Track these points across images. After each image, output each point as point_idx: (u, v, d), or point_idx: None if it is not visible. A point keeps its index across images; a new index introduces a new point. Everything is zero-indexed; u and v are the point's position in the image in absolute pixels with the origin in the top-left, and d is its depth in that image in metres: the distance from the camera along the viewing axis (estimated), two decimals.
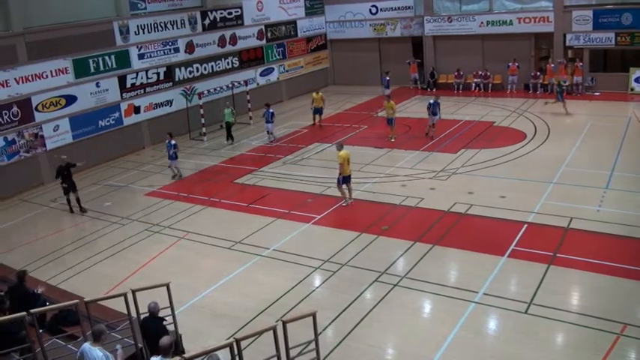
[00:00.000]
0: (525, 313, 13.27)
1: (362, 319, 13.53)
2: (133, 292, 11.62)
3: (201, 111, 31.63)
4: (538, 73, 36.92)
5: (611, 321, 12.58)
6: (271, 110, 29.40)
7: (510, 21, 37.48)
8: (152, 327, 10.82)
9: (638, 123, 28.00)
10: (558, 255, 15.74)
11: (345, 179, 20.47)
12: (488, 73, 38.20)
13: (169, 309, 11.88)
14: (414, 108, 35.32)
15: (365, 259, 16.54)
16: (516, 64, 36.79)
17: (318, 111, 32.66)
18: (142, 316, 11.36)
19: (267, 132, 30.04)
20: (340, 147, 20.53)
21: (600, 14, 34.65)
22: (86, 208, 22.12)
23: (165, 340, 9.26)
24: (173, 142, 25.01)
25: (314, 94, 32.97)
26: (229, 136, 30.76)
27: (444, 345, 12.32)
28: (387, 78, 37.32)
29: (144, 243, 19.12)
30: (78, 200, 22.11)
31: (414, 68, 40.43)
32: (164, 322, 11.11)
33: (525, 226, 17.75)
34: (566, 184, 20.96)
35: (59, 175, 21.94)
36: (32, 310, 10.97)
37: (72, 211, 22.15)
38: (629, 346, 11.88)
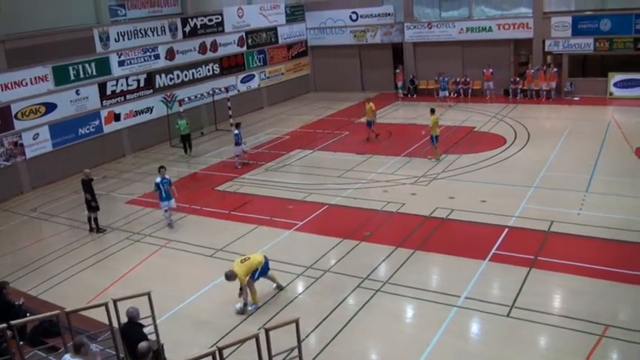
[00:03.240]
0: (507, 316, 13.34)
1: (345, 325, 13.53)
2: (114, 301, 11.52)
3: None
4: (517, 79, 37.24)
5: (592, 323, 12.71)
6: (239, 131, 26.64)
7: (490, 27, 37.77)
8: (130, 333, 10.72)
9: (618, 127, 28.27)
10: (539, 258, 15.85)
11: (263, 270, 15.06)
12: (468, 79, 38.43)
13: (151, 318, 11.78)
14: (395, 114, 35.49)
15: (347, 265, 16.55)
16: (490, 70, 37.10)
17: (370, 123, 29.72)
18: (122, 323, 11.27)
19: (239, 154, 27.04)
20: (231, 276, 14.44)
21: (579, 20, 35.05)
22: (104, 228, 21.20)
23: (142, 345, 9.19)
24: (167, 176, 20.71)
25: (366, 105, 29.83)
26: (188, 147, 30.02)
27: (427, 350, 12.35)
28: (447, 78, 37.56)
29: (125, 252, 18.99)
30: (96, 220, 21.03)
31: (400, 77, 40.58)
32: (143, 328, 11.01)
33: (506, 230, 17.87)
34: (547, 188, 21.12)
35: (85, 189, 20.72)
36: (13, 322, 10.84)
37: (91, 230, 20.92)
38: (611, 347, 12.01)
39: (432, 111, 26.00)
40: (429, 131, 25.58)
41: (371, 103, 29.84)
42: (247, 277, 14.43)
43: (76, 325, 11.49)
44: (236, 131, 26.60)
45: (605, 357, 11.75)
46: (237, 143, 26.67)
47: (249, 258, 14.70)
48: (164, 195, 20.16)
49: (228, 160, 28.35)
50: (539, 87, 35.98)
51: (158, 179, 20.22)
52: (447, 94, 37.40)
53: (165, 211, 20.50)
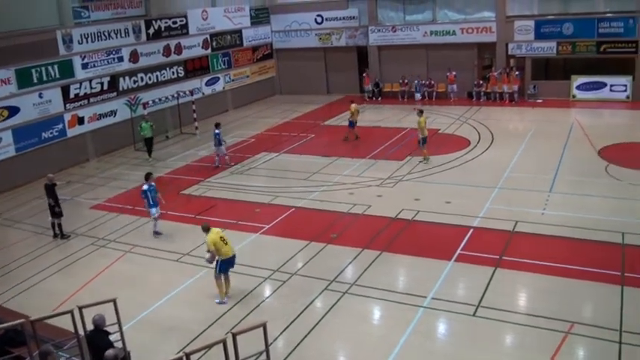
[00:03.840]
0: (473, 315, 13.50)
1: (313, 328, 13.55)
2: (80, 308, 11.38)
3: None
4: (481, 82, 37.66)
5: (558, 320, 12.94)
6: (219, 131, 26.59)
7: (453, 31, 38.16)
8: (97, 341, 10.61)
9: (581, 128, 28.74)
10: (504, 258, 16.07)
11: (224, 265, 15.32)
12: (433, 82, 38.74)
13: (117, 325, 11.65)
14: (360, 116, 35.48)
15: (314, 267, 16.59)
16: (453, 73, 37.47)
17: (352, 124, 30.04)
18: (88, 330, 11.14)
19: (220, 155, 27.15)
20: (207, 229, 15.29)
21: (542, 24, 35.67)
22: (68, 234, 20.84)
23: (109, 353, 9.10)
24: (154, 183, 20.08)
25: (351, 106, 30.01)
26: (150, 152, 29.99)
27: (394, 350, 12.43)
28: (422, 81, 37.49)
29: (90, 257, 18.75)
30: (60, 225, 20.70)
31: (367, 80, 40.73)
32: (109, 336, 10.90)
33: (471, 230, 18.08)
34: (511, 188, 21.41)
35: (49, 194, 20.38)
36: None
37: (55, 236, 20.60)
38: (577, 343, 12.26)
39: (420, 112, 25.64)
40: (417, 133, 25.42)
41: (354, 104, 30.06)
42: (212, 247, 14.88)
43: (41, 333, 11.31)
44: (216, 131, 26.51)
45: (571, 354, 11.99)
46: (219, 143, 26.66)
47: (226, 242, 15.09)
48: (152, 202, 19.58)
49: (193, 163, 28.25)
50: (501, 90, 36.43)
51: (145, 186, 19.51)
52: (421, 97, 37.42)
53: (155, 219, 19.89)
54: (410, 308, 14.01)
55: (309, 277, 16.05)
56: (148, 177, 19.87)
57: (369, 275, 15.83)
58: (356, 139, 30.01)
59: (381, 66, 41.35)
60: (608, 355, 11.77)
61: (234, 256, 15.31)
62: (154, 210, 19.73)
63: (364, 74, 41.07)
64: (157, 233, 19.98)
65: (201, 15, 38.04)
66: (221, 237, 15.09)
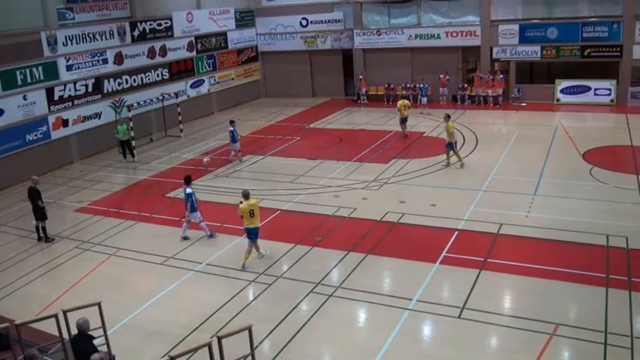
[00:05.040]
0: (459, 317, 13.53)
1: (298, 331, 13.53)
2: (64, 312, 11.30)
3: (131, 124, 30.94)
4: (465, 85, 37.84)
5: (543, 322, 13.00)
6: (233, 128, 27.47)
7: (438, 35, 38.36)
8: (81, 346, 10.53)
9: (565, 132, 28.92)
10: (489, 260, 16.13)
11: (248, 232, 17.14)
12: (418, 85, 38.80)
13: (101, 329, 11.57)
14: (344, 120, 35.72)
15: (300, 270, 16.57)
16: (447, 76, 37.59)
17: (403, 120, 30.18)
18: (72, 335, 11.07)
19: (234, 151, 27.98)
20: (245, 196, 17.15)
21: (526, 29, 35.93)
22: (52, 237, 20.59)
23: (94, 357, 9.04)
24: (189, 190, 19.07)
25: (400, 102, 30.42)
26: (130, 154, 29.92)
27: (380, 353, 12.44)
28: (427, 85, 37.12)
29: (74, 261, 18.60)
30: (44, 229, 20.46)
31: (364, 83, 40.67)
32: (93, 340, 10.83)
33: (456, 233, 18.13)
34: (496, 191, 21.51)
35: (36, 198, 20.09)
36: None
37: (40, 239, 20.35)
38: (562, 345, 12.32)
39: (447, 117, 25.17)
40: (446, 139, 24.87)
41: (401, 100, 30.50)
42: (240, 214, 16.84)
43: (26, 337, 11.23)
44: (231, 128, 27.17)
45: (555, 355, 12.05)
46: (234, 140, 27.36)
47: (253, 215, 16.82)
48: (195, 206, 19.00)
49: (178, 166, 28.16)
50: (485, 93, 36.60)
51: (189, 189, 18.93)
52: (427, 101, 37.12)
53: (201, 221, 19.20)
54: (395, 310, 14.03)
55: (295, 280, 16.04)
56: (189, 180, 19.31)
57: (355, 278, 15.84)
58: (404, 137, 30.18)
59: (366, 69, 41.41)
60: (593, 356, 11.84)
61: (254, 229, 16.91)
62: (196, 214, 19.09)
63: (360, 77, 40.88)
64: (211, 236, 19.30)
65: (186, 17, 37.95)
66: (251, 210, 16.76)
